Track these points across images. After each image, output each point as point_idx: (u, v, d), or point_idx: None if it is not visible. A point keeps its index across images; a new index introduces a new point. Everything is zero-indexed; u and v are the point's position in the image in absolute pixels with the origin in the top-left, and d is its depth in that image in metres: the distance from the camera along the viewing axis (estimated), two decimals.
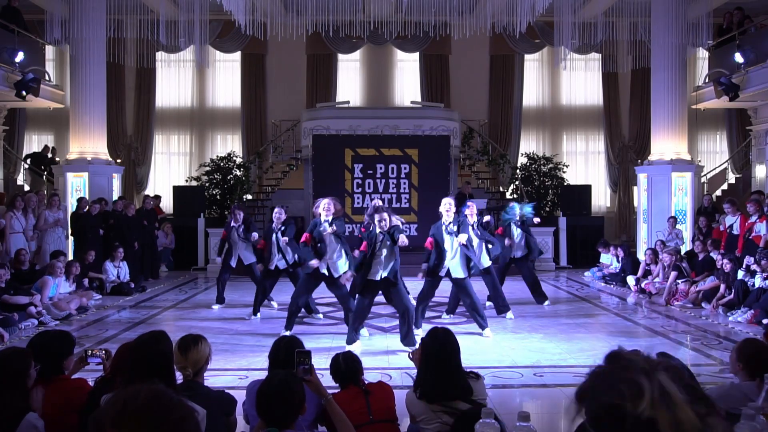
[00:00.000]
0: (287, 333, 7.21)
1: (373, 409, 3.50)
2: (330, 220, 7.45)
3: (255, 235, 9.23)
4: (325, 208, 7.49)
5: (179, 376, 3.31)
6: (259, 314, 8.92)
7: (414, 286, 8.94)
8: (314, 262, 7.39)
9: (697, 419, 1.06)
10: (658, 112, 13.11)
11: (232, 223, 9.55)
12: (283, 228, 8.70)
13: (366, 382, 3.74)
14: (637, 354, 1.17)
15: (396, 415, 3.63)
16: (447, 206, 7.69)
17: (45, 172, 15.53)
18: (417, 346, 4.04)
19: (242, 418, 3.69)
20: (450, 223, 7.64)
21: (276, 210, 8.86)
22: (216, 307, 9.72)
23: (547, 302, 9.88)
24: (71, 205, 12.49)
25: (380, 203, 9.10)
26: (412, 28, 15.12)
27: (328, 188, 13.55)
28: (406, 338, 6.97)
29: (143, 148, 17.32)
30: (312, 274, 7.55)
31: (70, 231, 11.84)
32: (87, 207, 11.84)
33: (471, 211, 8.31)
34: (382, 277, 7.00)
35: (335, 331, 7.92)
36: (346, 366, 3.69)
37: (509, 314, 8.77)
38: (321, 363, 6.18)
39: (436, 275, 7.72)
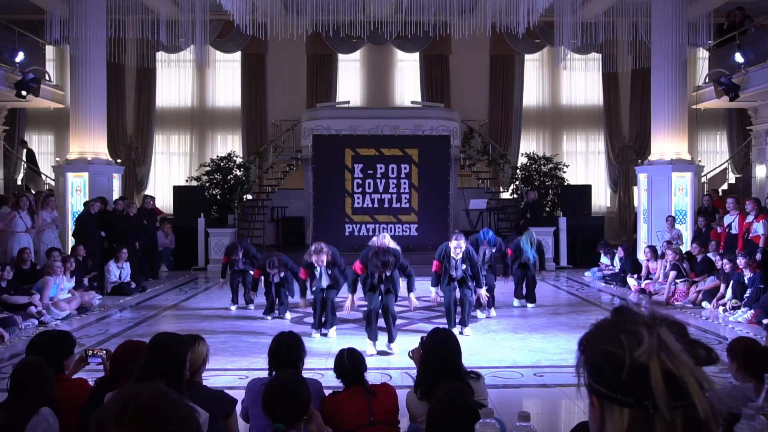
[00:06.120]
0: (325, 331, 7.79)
1: (375, 411, 3.47)
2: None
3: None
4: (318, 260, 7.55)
5: None
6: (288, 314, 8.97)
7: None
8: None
9: (692, 364, 1.10)
10: (658, 112, 13.09)
11: (234, 257, 9.56)
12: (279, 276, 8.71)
13: (369, 383, 3.71)
14: (643, 310, 1.19)
15: (398, 418, 3.61)
16: (457, 249, 7.65)
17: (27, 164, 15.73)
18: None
19: (241, 417, 3.68)
20: (459, 261, 7.69)
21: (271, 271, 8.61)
22: (253, 306, 9.60)
23: (530, 305, 9.69)
24: (71, 205, 12.48)
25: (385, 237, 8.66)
26: (412, 28, 15.11)
27: (328, 188, 13.57)
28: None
29: (143, 148, 17.31)
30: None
31: (72, 231, 11.80)
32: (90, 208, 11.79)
33: (485, 247, 8.73)
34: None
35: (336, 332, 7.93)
36: (351, 365, 3.66)
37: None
38: (321, 364, 6.21)
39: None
